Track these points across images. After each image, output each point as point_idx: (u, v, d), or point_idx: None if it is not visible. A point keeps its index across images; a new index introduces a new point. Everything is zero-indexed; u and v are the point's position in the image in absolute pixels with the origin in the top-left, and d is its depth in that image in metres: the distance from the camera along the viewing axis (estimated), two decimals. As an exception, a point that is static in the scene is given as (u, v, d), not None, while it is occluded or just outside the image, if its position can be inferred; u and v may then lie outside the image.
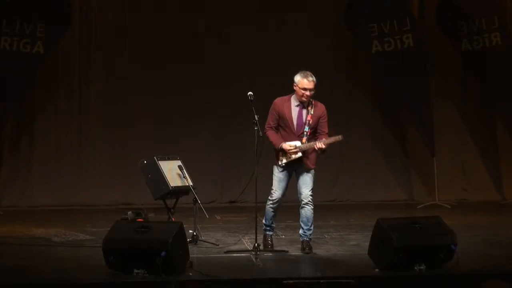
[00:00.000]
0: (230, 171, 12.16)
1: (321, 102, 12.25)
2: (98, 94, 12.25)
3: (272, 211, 7.95)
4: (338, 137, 7.75)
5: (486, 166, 12.67)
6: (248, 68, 11.96)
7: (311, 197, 7.86)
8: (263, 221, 8.06)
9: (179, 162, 8.64)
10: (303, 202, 7.86)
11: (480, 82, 12.35)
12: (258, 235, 7.64)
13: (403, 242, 6.72)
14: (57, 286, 6.55)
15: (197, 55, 12.36)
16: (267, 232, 8.02)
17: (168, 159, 8.69)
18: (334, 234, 9.09)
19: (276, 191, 7.87)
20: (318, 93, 12.43)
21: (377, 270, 6.83)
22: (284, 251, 7.92)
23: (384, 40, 11.92)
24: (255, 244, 7.48)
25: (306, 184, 7.84)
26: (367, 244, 7.16)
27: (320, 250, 8.03)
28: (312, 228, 7.93)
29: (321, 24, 12.44)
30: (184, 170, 8.56)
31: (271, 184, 8.03)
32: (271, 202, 7.91)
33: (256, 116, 7.76)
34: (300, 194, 7.87)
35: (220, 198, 12.27)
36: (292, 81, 7.94)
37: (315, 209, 11.50)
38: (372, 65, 12.36)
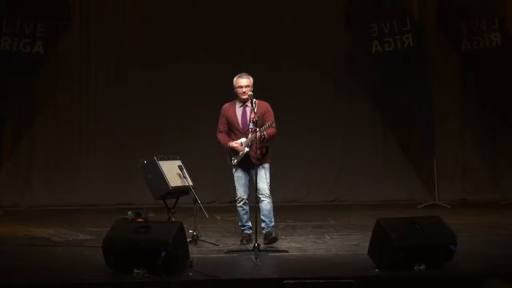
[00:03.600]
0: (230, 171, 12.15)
1: (321, 102, 12.41)
2: (98, 94, 12.25)
3: (242, 210, 8.25)
4: (270, 123, 7.98)
5: (486, 166, 12.68)
6: (247, 68, 11.91)
7: (268, 191, 8.14)
8: (239, 223, 8.37)
9: (179, 162, 8.64)
10: (261, 197, 8.15)
11: (480, 82, 12.35)
12: (257, 235, 7.63)
13: (403, 242, 6.71)
14: (57, 286, 6.54)
15: (198, 55, 12.37)
16: (245, 231, 8.32)
17: (168, 159, 8.68)
18: (334, 234, 9.08)
19: (239, 189, 8.22)
20: (319, 93, 12.54)
21: (377, 270, 6.82)
22: (284, 251, 7.92)
23: (384, 40, 11.91)
24: (255, 244, 7.47)
25: (261, 178, 8.08)
26: (367, 244, 7.16)
27: (320, 250, 8.03)
28: (273, 220, 8.27)
29: (321, 24, 12.44)
30: (184, 170, 8.55)
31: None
32: (237, 201, 8.26)
33: (256, 116, 7.80)
34: (258, 189, 8.10)
35: (220, 198, 12.27)
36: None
37: (316, 208, 11.61)
38: (372, 65, 12.37)
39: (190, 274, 6.70)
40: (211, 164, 12.17)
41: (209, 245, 8.18)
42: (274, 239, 8.22)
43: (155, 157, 8.58)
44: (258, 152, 8.00)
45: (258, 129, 7.82)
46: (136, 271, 6.56)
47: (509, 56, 11.87)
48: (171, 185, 8.41)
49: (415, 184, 12.59)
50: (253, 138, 8.01)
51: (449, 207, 11.67)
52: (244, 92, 8.15)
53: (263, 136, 7.90)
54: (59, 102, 12.19)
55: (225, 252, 7.83)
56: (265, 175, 8.12)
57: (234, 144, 8.12)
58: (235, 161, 8.17)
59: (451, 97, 12.70)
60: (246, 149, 8.09)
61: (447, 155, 12.55)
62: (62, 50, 12.00)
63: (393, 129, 12.71)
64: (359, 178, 12.56)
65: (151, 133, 12.13)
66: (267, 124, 7.99)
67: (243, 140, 8.12)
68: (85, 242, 8.52)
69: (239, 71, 11.93)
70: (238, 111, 8.23)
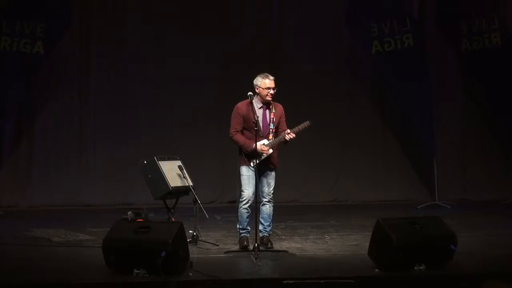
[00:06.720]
0: (230, 171, 12.13)
1: (322, 102, 12.42)
2: (98, 94, 12.25)
3: (247, 212, 7.99)
4: (306, 123, 7.89)
5: (486, 166, 12.67)
6: (248, 67, 11.94)
7: (272, 195, 8.05)
8: (238, 225, 8.11)
9: (179, 162, 8.64)
10: (264, 200, 8.02)
11: (480, 82, 12.35)
12: (257, 235, 7.63)
13: (403, 242, 6.72)
14: (57, 286, 6.54)
15: (198, 54, 12.37)
16: (244, 235, 8.06)
17: (168, 159, 8.68)
18: (334, 234, 9.07)
19: (247, 190, 7.94)
20: (319, 93, 12.54)
21: (377, 270, 6.83)
22: (284, 251, 7.91)
23: (384, 40, 11.93)
24: (255, 244, 7.47)
25: (269, 182, 8.02)
26: (367, 244, 7.16)
27: (320, 250, 8.03)
28: (271, 224, 8.13)
29: (321, 24, 12.45)
30: (184, 170, 8.55)
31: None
32: (243, 202, 7.96)
33: (256, 116, 7.79)
34: (262, 192, 8.01)
35: (220, 198, 12.27)
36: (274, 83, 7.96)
37: (316, 208, 11.61)
38: (372, 65, 12.37)
39: (190, 274, 6.71)
40: (211, 164, 12.19)
41: (209, 245, 8.18)
42: (272, 244, 8.03)
43: (155, 157, 8.58)
44: (274, 155, 7.95)
45: (288, 131, 7.79)
46: (136, 271, 6.57)
47: (509, 56, 11.88)
48: (171, 185, 8.41)
49: (415, 184, 12.59)
50: (280, 140, 7.86)
51: (449, 207, 11.66)
52: (272, 94, 7.91)
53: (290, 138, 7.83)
54: (59, 102, 12.19)
55: (225, 252, 7.83)
56: (273, 179, 8.02)
57: (262, 148, 7.78)
58: (256, 162, 7.82)
59: (451, 97, 12.70)
60: (271, 150, 7.88)
61: (447, 155, 12.55)
62: (62, 50, 11.99)
63: (393, 129, 12.71)
64: (359, 178, 12.56)
65: (151, 133, 12.12)
66: (302, 125, 7.85)
67: (265, 142, 7.87)
68: (85, 242, 8.52)
69: (239, 70, 12.06)
70: (258, 111, 7.89)
